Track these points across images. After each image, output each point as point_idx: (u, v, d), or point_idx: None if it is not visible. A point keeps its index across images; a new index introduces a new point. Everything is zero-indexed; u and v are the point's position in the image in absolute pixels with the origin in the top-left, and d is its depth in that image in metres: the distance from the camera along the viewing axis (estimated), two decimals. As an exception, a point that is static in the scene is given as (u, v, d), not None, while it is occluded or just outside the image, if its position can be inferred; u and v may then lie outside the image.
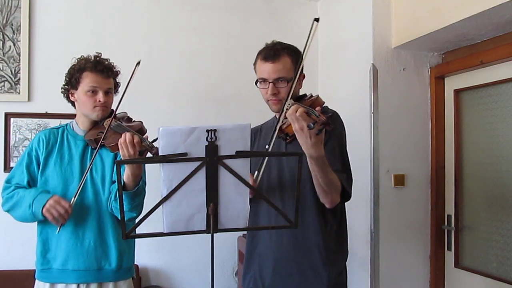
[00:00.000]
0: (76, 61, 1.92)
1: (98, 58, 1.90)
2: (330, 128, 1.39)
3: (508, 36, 2.40)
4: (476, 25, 2.31)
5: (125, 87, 1.80)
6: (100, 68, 1.86)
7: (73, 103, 1.96)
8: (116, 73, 1.96)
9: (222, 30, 3.29)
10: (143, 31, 3.14)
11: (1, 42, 2.90)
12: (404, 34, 2.67)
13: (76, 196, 1.78)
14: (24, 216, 1.81)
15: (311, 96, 1.68)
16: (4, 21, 2.90)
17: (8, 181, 1.91)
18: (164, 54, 3.16)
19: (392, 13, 2.77)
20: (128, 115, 1.96)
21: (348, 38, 2.99)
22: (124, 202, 1.68)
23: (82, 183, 1.79)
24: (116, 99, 1.93)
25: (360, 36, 2.85)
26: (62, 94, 1.97)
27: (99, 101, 1.85)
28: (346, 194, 1.63)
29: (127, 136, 1.66)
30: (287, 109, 1.55)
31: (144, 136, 1.73)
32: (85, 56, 1.92)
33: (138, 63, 1.78)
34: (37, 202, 1.75)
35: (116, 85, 1.97)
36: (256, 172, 1.63)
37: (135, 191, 1.73)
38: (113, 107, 1.91)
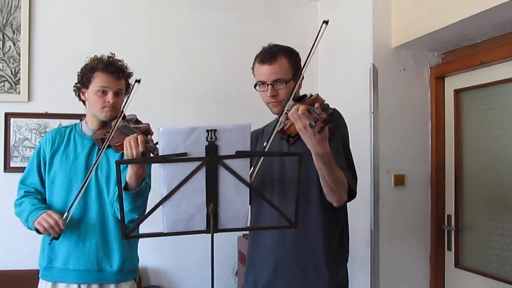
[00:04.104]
0: (89, 60, 1.93)
1: (110, 59, 1.91)
2: (332, 125, 1.39)
3: (508, 36, 2.39)
4: (476, 25, 2.31)
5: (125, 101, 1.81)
6: (111, 69, 1.86)
7: (84, 102, 1.96)
8: (129, 75, 1.96)
9: (222, 30, 3.29)
10: (143, 31, 3.14)
11: (1, 42, 2.90)
12: (404, 34, 2.67)
13: (71, 210, 1.78)
14: (25, 225, 1.86)
15: (311, 95, 1.68)
16: (4, 21, 2.90)
17: (22, 182, 1.94)
18: (164, 54, 3.17)
19: (392, 13, 2.77)
20: (137, 117, 1.95)
21: (348, 38, 2.99)
22: (125, 203, 1.68)
23: (81, 193, 1.79)
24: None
25: (360, 36, 2.85)
26: (74, 93, 1.97)
27: (108, 101, 1.85)
28: (351, 192, 1.63)
29: (132, 135, 1.67)
30: (287, 110, 1.55)
31: (148, 137, 1.72)
32: (98, 56, 1.93)
33: (138, 81, 1.77)
34: (31, 217, 1.79)
35: (128, 87, 1.96)
36: (252, 168, 1.61)
37: (137, 191, 1.72)
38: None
